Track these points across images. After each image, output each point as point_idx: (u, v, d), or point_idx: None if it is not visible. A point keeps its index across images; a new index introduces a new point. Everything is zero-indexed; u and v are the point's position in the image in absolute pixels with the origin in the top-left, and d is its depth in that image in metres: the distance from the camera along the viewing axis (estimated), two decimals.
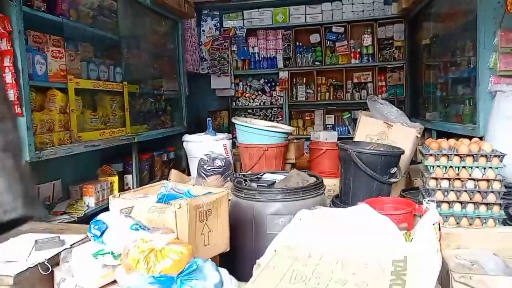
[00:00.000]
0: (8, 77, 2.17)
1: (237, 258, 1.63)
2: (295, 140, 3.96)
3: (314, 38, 5.65)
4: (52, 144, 2.60)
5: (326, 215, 1.08)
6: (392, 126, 2.75)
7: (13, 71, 2.18)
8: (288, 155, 3.69)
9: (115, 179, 3.30)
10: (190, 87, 5.04)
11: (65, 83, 2.72)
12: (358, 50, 5.54)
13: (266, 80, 5.89)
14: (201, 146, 3.39)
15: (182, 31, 4.78)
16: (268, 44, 5.70)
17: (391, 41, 5.45)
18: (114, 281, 1.29)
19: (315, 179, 1.98)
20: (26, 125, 2.29)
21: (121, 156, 3.64)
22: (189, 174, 3.57)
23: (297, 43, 5.68)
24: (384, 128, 2.79)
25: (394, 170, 2.26)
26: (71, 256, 1.32)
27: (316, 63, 5.64)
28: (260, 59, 5.75)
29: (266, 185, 1.95)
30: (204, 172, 2.65)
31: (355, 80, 5.64)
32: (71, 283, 1.30)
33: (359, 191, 2.16)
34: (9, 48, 2.20)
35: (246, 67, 5.81)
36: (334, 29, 5.55)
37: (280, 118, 5.70)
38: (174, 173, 3.06)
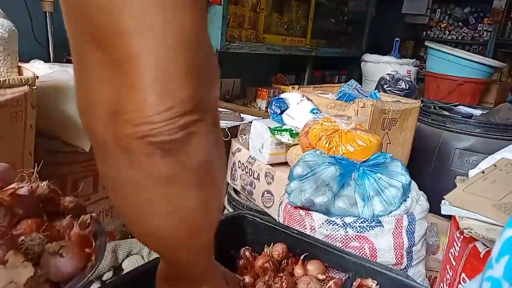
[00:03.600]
0: None
1: None
2: (498, 81, 3.25)
3: None
4: (240, 40, 2.71)
5: None
6: None
7: None
8: (485, 97, 3.07)
9: (287, 88, 3.32)
10: (377, 9, 4.55)
11: None
12: None
13: (473, 9, 4.87)
14: (382, 68, 3.08)
15: None
16: None
17: None
18: (285, 163, 1.26)
19: None
20: (222, 15, 2.41)
21: (295, 68, 3.66)
22: None
23: None
24: None
25: None
26: (249, 129, 1.34)
27: None
28: None
29: (460, 116, 1.63)
30: (383, 92, 2.39)
31: None
32: (245, 154, 1.34)
33: None
34: None
35: None
36: None
37: None
38: None
